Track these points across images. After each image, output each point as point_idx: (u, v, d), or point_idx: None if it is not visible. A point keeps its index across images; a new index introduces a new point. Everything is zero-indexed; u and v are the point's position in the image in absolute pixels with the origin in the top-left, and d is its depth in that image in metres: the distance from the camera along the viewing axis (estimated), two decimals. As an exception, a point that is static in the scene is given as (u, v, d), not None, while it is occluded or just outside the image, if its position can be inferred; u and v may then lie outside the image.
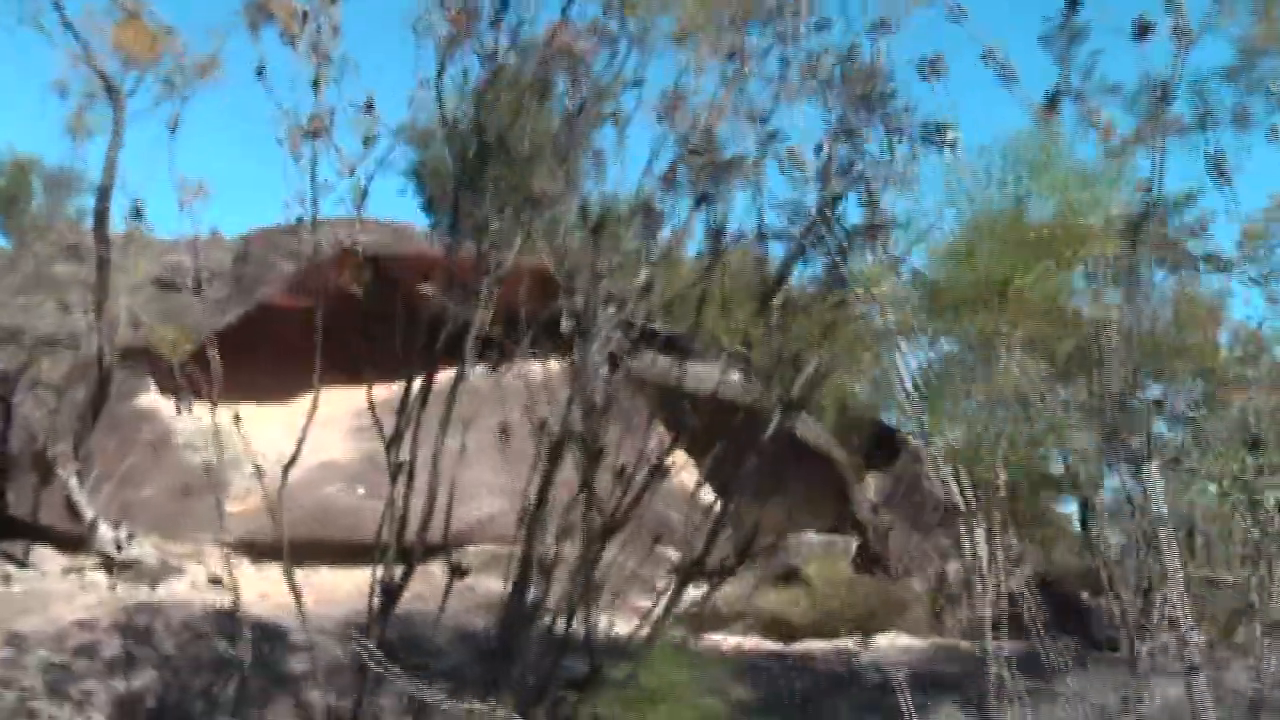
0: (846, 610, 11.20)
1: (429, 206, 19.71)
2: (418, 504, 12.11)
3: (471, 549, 12.17)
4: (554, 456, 7.36)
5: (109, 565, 11.09)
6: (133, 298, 13.79)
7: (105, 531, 11.10)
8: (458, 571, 7.78)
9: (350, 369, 14.30)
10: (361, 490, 12.22)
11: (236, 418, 8.80)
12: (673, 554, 13.33)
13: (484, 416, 13.69)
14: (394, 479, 7.59)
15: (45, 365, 12.72)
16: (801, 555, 12.68)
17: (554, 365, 14.87)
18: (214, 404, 8.80)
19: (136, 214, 11.47)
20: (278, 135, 7.45)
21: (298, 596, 7.66)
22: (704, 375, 15.37)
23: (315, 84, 7.15)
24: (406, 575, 7.33)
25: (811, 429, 15.84)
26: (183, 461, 12.56)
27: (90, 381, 12.71)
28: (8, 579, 10.84)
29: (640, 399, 14.55)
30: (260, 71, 7.03)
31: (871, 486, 17.38)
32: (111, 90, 11.10)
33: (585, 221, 7.08)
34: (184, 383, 9.33)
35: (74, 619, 9.39)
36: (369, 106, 7.11)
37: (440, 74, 6.93)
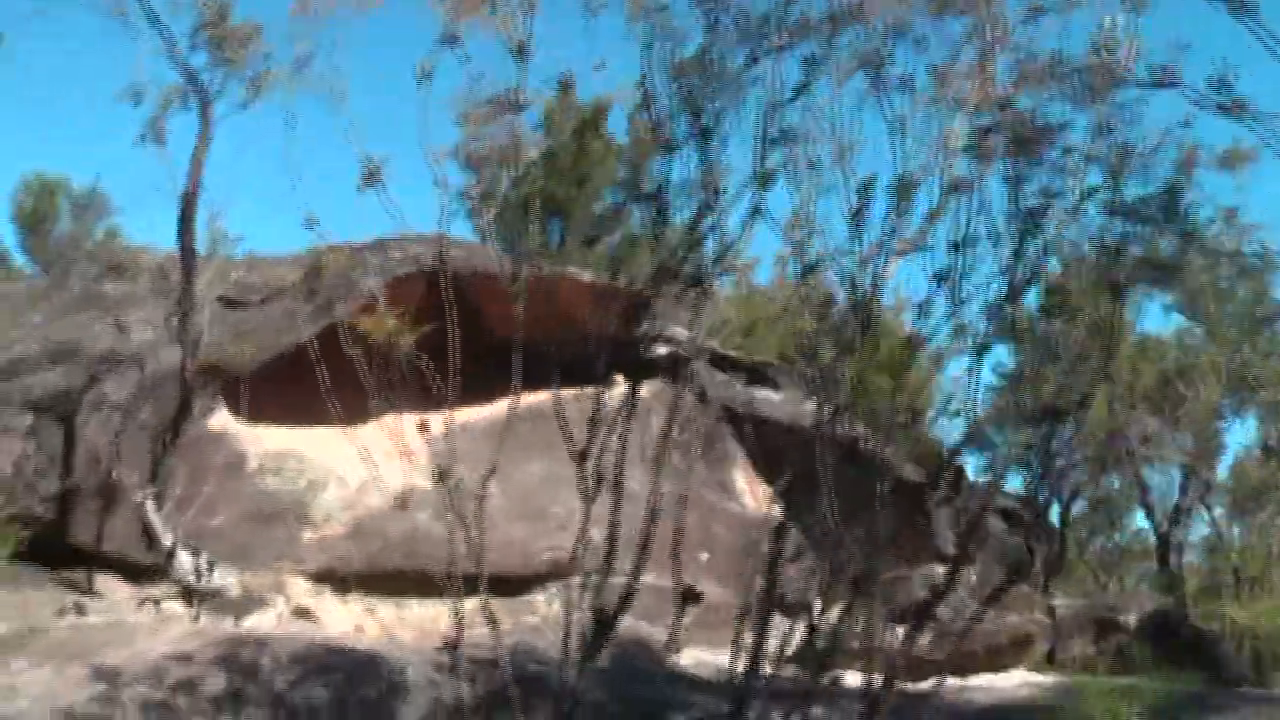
0: (976, 646, 10.49)
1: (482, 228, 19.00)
2: (515, 533, 11.44)
3: (575, 579, 11.34)
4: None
5: (188, 595, 10.39)
6: (196, 316, 13.01)
7: (184, 560, 10.37)
8: (691, 597, 6.97)
9: (426, 393, 13.70)
10: (452, 517, 11.35)
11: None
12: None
13: (557, 442, 13.08)
14: (591, 498, 6.74)
15: (109, 385, 11.87)
16: (928, 587, 11.91)
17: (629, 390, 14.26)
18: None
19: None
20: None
21: (460, 632, 6.76)
22: (778, 400, 14.85)
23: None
24: (626, 601, 6.53)
25: (891, 454, 15.15)
26: (256, 487, 11.79)
27: (160, 400, 11.95)
28: (80, 609, 10.05)
29: (721, 425, 13.99)
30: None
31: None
32: (199, 90, 10.37)
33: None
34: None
35: (167, 652, 8.55)
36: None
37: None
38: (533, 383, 13.45)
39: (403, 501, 11.68)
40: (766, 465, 12.79)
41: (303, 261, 13.94)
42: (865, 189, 5.66)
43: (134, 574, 11.21)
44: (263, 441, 12.26)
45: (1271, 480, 19.57)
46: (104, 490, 11.33)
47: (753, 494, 14.05)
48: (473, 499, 11.48)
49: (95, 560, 11.35)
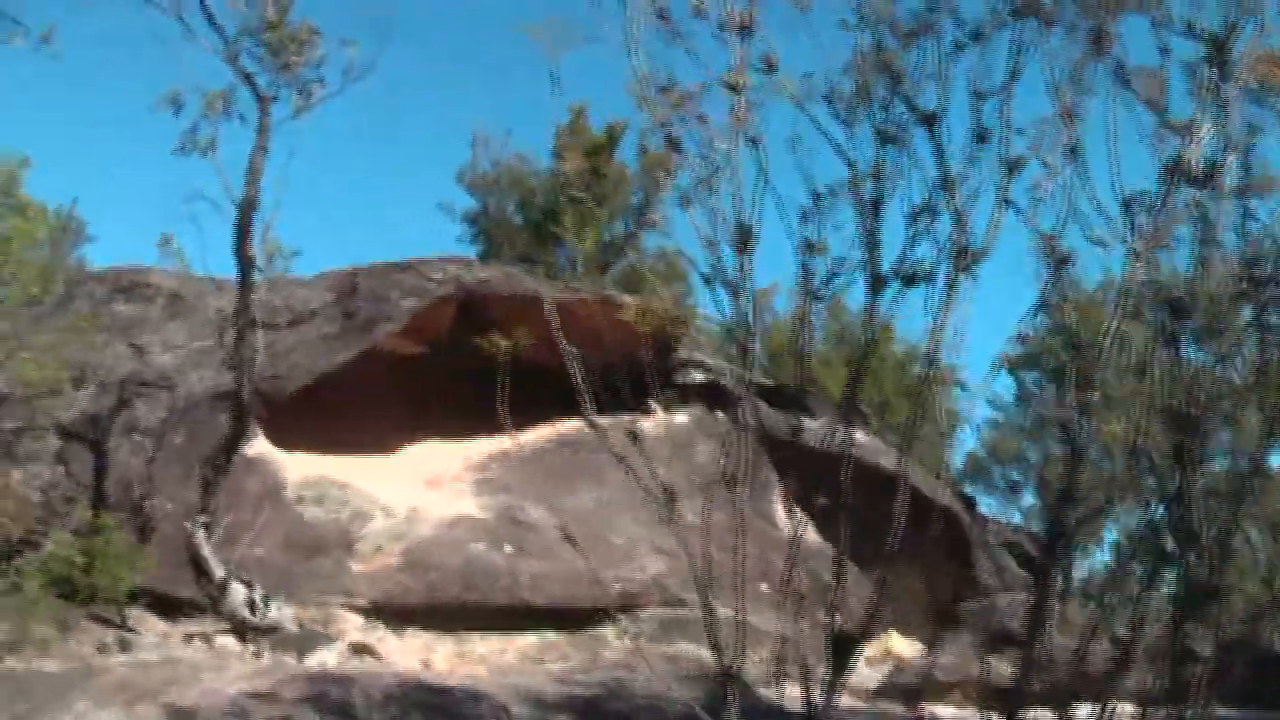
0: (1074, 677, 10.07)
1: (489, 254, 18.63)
2: (579, 564, 10.88)
3: (644, 613, 10.87)
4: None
5: (241, 630, 9.63)
6: (220, 339, 12.37)
7: (238, 593, 9.73)
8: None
9: (460, 421, 13.15)
10: (509, 549, 10.83)
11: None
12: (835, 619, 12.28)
13: (608, 470, 12.63)
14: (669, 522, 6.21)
15: (141, 409, 11.18)
16: (1017, 616, 11.59)
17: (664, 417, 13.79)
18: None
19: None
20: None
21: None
22: (815, 428, 14.55)
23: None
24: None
25: (932, 483, 14.92)
26: (297, 516, 11.20)
27: (194, 425, 11.39)
28: (124, 645, 9.40)
29: (762, 454, 13.68)
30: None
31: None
32: (257, 93, 9.83)
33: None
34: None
35: (245, 690, 7.90)
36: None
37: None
38: (566, 410, 13.07)
39: (458, 534, 11.16)
40: (804, 494, 12.54)
41: (329, 283, 13.40)
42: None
43: (169, 608, 10.52)
44: (300, 469, 11.73)
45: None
46: (138, 519, 10.47)
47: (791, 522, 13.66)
48: (529, 529, 10.98)
49: (128, 595, 10.49)
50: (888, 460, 8.60)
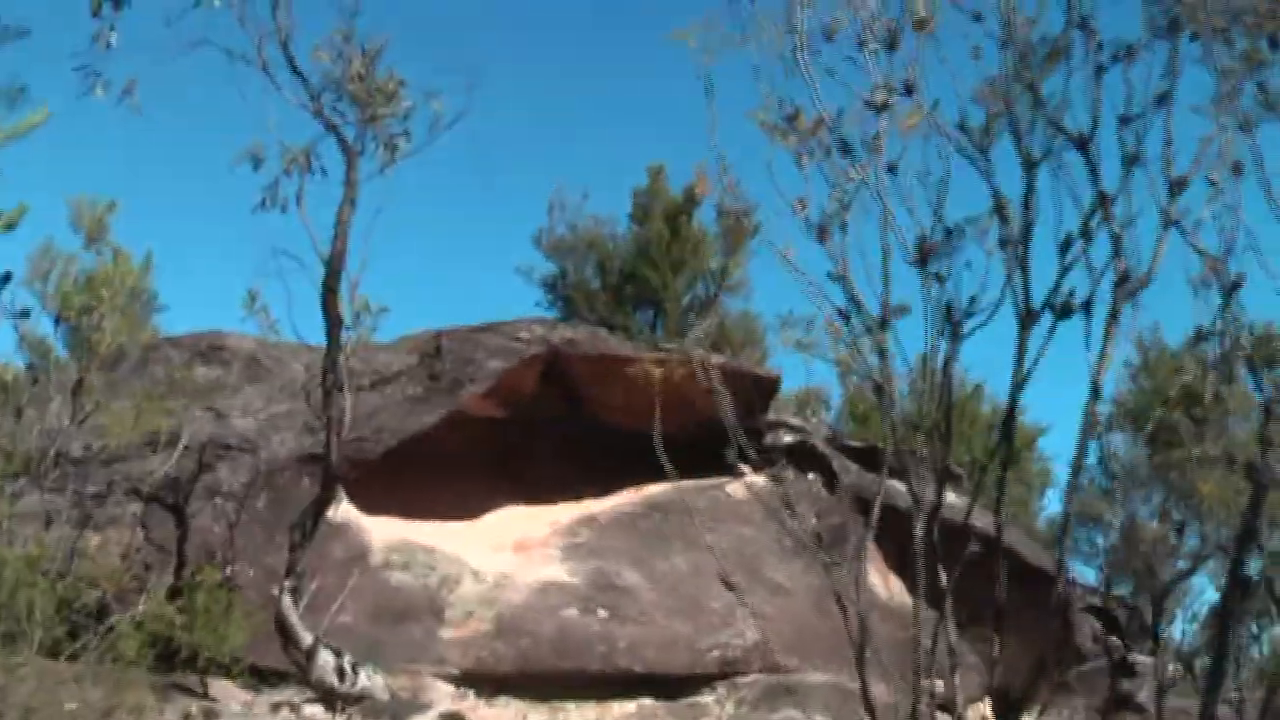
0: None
1: (568, 317, 18.92)
2: (676, 629, 10.94)
3: (744, 679, 10.88)
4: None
5: (330, 700, 9.65)
6: (298, 403, 12.69)
7: (326, 660, 9.75)
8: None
9: (544, 485, 13.32)
10: (603, 613, 10.91)
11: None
12: (939, 685, 12.20)
13: (703, 534, 12.69)
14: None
15: (223, 473, 11.47)
16: (1140, 681, 11.53)
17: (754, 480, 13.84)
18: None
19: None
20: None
21: None
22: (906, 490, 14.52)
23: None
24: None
25: (1029, 545, 14.88)
26: (384, 581, 11.27)
27: (276, 489, 11.63)
28: (210, 716, 9.38)
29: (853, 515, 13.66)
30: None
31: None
32: (344, 145, 10.17)
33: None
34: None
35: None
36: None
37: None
38: (653, 474, 13.15)
39: (548, 600, 11.24)
40: (898, 558, 12.53)
41: (412, 345, 13.68)
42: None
43: (250, 676, 10.59)
44: (385, 534, 11.77)
45: None
46: (221, 585, 10.69)
47: (886, 587, 13.59)
48: (623, 594, 11.06)
49: (211, 665, 10.64)
50: (983, 523, 8.75)
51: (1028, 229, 5.39)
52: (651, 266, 18.12)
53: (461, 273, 42.37)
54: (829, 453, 13.70)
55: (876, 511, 7.33)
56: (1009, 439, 6.65)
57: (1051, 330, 5.85)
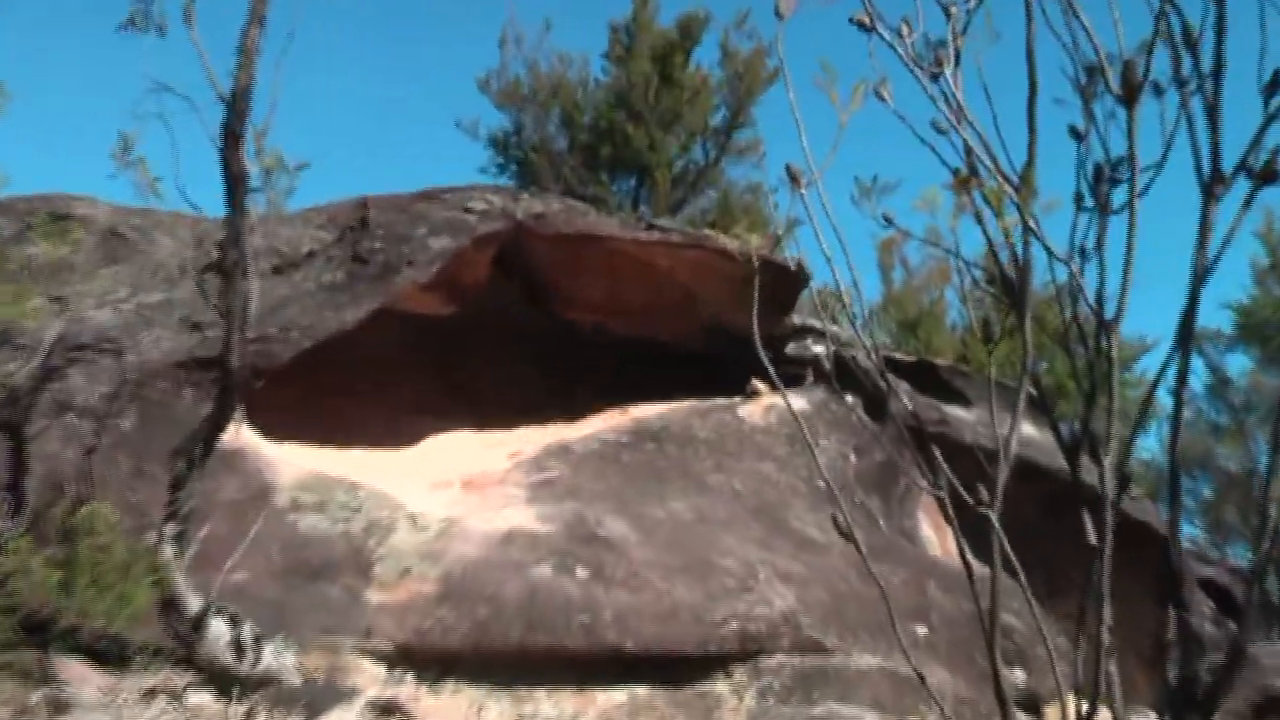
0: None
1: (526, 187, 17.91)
2: (680, 595, 10.20)
3: (770, 661, 10.08)
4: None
5: (223, 682, 9.00)
6: (176, 291, 12.02)
7: (220, 632, 8.92)
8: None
9: (502, 404, 12.41)
10: (584, 573, 10.06)
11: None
12: (1019, 676, 11.49)
13: (709, 472, 11.90)
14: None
15: (76, 381, 10.47)
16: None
17: (775, 402, 12.97)
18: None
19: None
20: None
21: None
22: (971, 420, 13.72)
23: None
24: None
25: (1140, 505, 14.21)
26: (293, 529, 10.64)
27: (147, 404, 11.07)
28: (59, 708, 8.60)
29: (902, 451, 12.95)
30: None
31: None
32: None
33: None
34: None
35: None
36: None
37: None
38: (645, 392, 12.26)
39: (512, 554, 10.41)
40: (956, 505, 12.09)
41: (330, 216, 12.69)
42: None
43: (104, 655, 9.70)
44: (295, 465, 11.08)
45: None
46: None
47: (941, 544, 13.07)
48: (609, 548, 10.29)
49: (58, 634, 9.67)
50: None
51: (1219, 64, 4.42)
52: (635, 121, 16.92)
53: (391, 131, 40.78)
54: (872, 368, 12.65)
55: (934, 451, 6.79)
56: (1185, 352, 5.68)
57: (1248, 200, 4.90)
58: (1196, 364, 19.67)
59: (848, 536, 4.38)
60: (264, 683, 9.06)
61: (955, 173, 4.80)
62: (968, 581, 4.76)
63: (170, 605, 9.17)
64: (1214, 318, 21.85)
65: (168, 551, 9.19)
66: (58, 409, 10.65)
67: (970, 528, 5.63)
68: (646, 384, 12.79)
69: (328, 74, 36.98)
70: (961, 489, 4.45)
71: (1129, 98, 4.44)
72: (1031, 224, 4.61)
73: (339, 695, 9.07)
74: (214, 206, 9.54)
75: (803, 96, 4.41)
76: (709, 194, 18.42)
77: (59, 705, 8.78)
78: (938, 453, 6.33)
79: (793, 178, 4.54)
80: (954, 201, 4.66)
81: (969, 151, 4.88)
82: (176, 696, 9.06)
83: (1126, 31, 4.43)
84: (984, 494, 4.22)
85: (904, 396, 13.39)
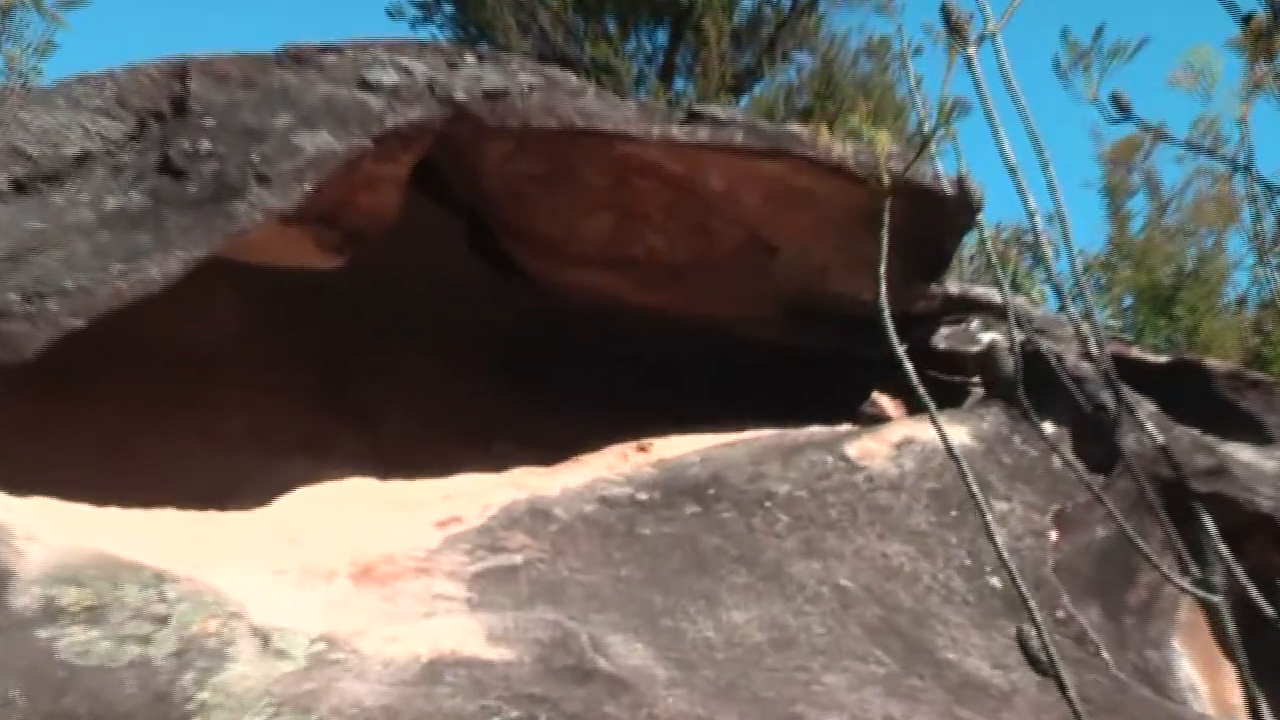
0: None
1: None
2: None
3: None
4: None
5: None
6: None
7: None
8: None
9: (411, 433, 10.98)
10: (559, 729, 10.08)
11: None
12: None
13: (790, 555, 9.56)
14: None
15: None
16: None
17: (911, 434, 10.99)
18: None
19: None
20: None
21: None
22: (1270, 469, 12.32)
23: None
24: None
25: None
26: (44, 654, 7.66)
27: None
28: None
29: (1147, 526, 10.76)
30: None
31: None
32: None
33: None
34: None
35: None
36: None
37: None
38: (664, 413, 10.80)
39: (445, 696, 8.06)
40: (1245, 623, 10.02)
41: (122, 89, 10.00)
42: None
43: None
44: (50, 540, 8.67)
45: None
46: None
47: (1214, 691, 10.55)
48: (616, 690, 7.70)
49: None
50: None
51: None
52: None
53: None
54: (1091, 374, 10.43)
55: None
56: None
57: None
58: None
59: (1047, 673, 3.93)
60: None
61: (1248, 20, 4.49)
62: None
63: None
64: None
65: None
66: None
67: (1271, 664, 4.86)
68: (683, 400, 10.96)
69: None
70: (1258, 593, 4.17)
71: None
72: (1397, 110, 5.41)
73: None
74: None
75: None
76: (798, 60, 16.01)
77: None
78: (1211, 525, 5.00)
79: (953, 28, 3.96)
80: (1245, 72, 4.41)
81: (1273, 2, 5.10)
82: None
83: None
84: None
85: (1149, 425, 11.05)
